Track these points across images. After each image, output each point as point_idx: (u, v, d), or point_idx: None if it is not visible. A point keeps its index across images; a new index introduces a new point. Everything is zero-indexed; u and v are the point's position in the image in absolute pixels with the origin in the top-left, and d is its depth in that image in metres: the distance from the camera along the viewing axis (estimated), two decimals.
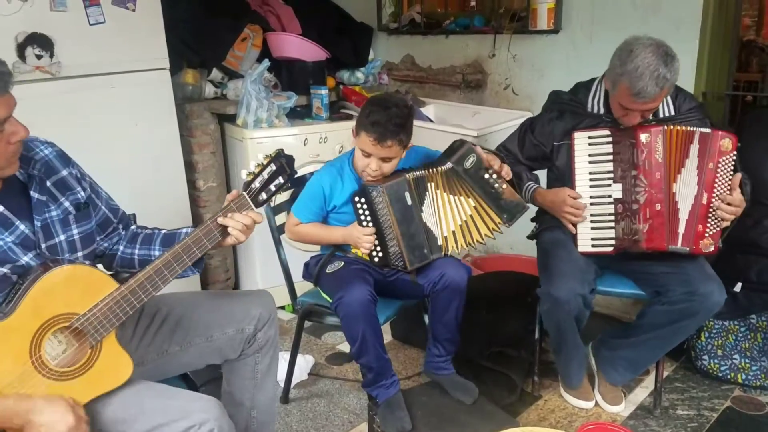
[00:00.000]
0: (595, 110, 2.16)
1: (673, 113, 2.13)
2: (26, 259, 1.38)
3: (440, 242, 2.09)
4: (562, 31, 2.96)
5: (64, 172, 1.50)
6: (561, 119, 2.21)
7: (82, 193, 1.52)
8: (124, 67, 2.63)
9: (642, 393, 2.43)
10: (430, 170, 2.07)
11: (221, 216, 1.49)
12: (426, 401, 2.05)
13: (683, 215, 2.05)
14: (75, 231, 1.48)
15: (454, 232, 2.10)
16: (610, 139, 2.08)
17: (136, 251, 1.62)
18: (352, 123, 3.13)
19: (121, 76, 2.64)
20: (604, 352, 2.33)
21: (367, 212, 2.05)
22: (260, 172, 1.51)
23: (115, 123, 2.65)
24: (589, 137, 2.10)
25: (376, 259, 2.08)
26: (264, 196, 1.52)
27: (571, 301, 2.05)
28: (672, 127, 2.04)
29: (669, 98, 2.13)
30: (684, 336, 2.19)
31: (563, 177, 2.20)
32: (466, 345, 2.29)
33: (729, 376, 2.46)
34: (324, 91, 3.17)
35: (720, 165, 2.01)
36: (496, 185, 2.08)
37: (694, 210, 2.04)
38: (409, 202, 2.04)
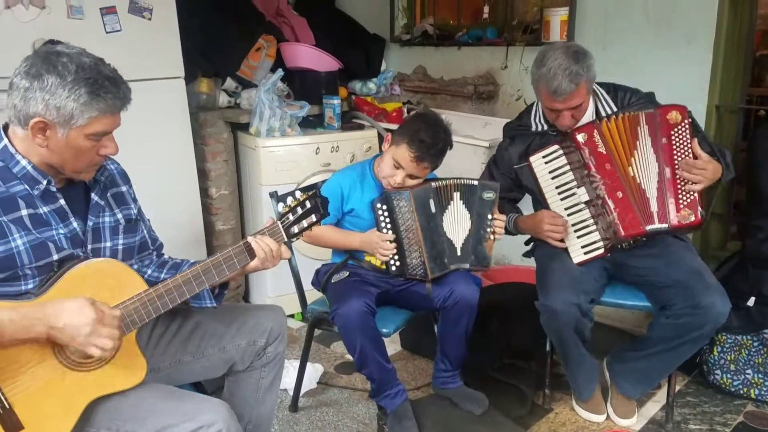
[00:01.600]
0: (539, 128, 2.26)
1: (615, 109, 2.19)
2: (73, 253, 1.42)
3: (459, 252, 2.11)
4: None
5: (123, 188, 1.61)
6: (513, 144, 2.30)
7: (134, 212, 1.62)
8: (140, 75, 2.65)
9: (654, 407, 2.40)
10: (458, 180, 2.12)
11: (252, 238, 1.53)
12: (436, 411, 2.04)
13: (651, 194, 2.10)
14: (120, 241, 1.55)
15: (464, 242, 2.12)
16: (560, 151, 2.16)
17: (163, 275, 1.64)
18: (364, 133, 3.23)
19: (137, 84, 2.59)
20: (616, 366, 2.32)
21: (387, 220, 2.07)
22: (296, 207, 1.57)
23: (130, 130, 2.64)
24: (543, 156, 2.18)
25: (393, 268, 2.09)
26: (296, 229, 1.57)
27: (566, 311, 2.07)
28: (607, 118, 2.12)
29: (606, 97, 2.22)
30: (694, 348, 2.17)
31: (536, 197, 2.27)
32: (476, 356, 2.28)
33: (742, 391, 2.43)
34: (336, 101, 3.19)
35: (674, 137, 2.06)
36: (489, 229, 2.13)
37: (661, 186, 2.08)
38: (433, 209, 2.07)
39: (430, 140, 2.01)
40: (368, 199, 2.14)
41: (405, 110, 3.33)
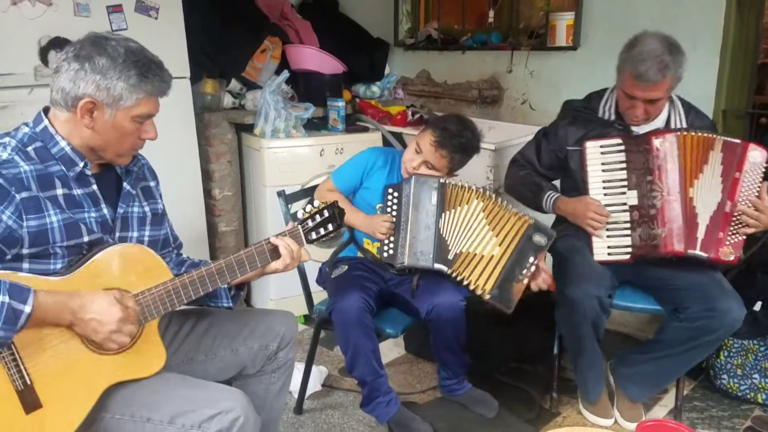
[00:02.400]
0: (606, 116, 2.19)
1: (684, 125, 2.15)
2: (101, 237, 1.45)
3: (450, 256, 2.04)
4: (581, 48, 2.98)
5: (152, 184, 1.64)
6: (573, 125, 2.23)
7: (161, 207, 1.64)
8: None
9: (661, 412, 2.39)
10: (493, 197, 2.05)
11: (275, 237, 1.56)
12: (445, 415, 2.02)
13: (703, 220, 2.05)
14: (147, 233, 1.57)
15: (459, 254, 2.04)
16: (622, 147, 2.10)
17: (182, 272, 1.64)
18: (369, 135, 3.23)
19: None
20: (622, 369, 2.31)
21: (394, 205, 2.06)
22: (314, 214, 1.61)
23: None
24: (601, 146, 2.12)
25: (386, 255, 2.07)
26: (314, 235, 1.61)
27: (587, 302, 2.04)
28: (687, 132, 2.06)
29: (681, 111, 2.16)
30: (705, 353, 2.17)
31: (577, 183, 2.21)
32: (483, 359, 2.26)
33: (749, 396, 2.42)
34: (341, 104, 3.18)
35: (747, 175, 2.01)
36: (525, 271, 2.01)
37: (716, 216, 2.04)
38: (433, 201, 2.03)
39: (455, 130, 2.02)
40: (388, 182, 2.14)
41: (410, 113, 3.32)
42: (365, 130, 3.25)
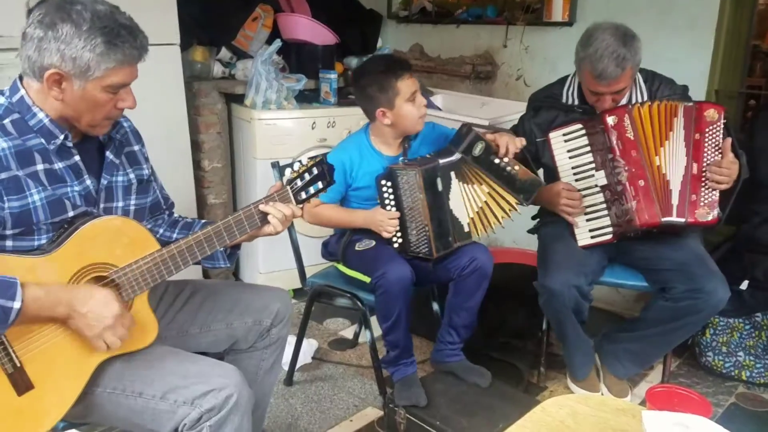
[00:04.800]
0: (569, 101, 2.21)
1: (646, 98, 2.15)
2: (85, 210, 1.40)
3: (466, 229, 2.08)
4: (576, 24, 2.95)
5: (136, 148, 1.56)
6: (537, 116, 2.26)
7: (147, 172, 1.57)
8: None
9: (647, 387, 2.41)
10: (451, 159, 2.04)
11: (263, 203, 1.50)
12: (444, 389, 2.03)
13: (675, 186, 2.07)
14: (132, 201, 1.51)
15: (473, 218, 2.09)
16: (583, 131, 2.13)
17: (175, 235, 1.62)
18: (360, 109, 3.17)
19: None
20: (607, 346, 2.33)
21: (392, 196, 2.03)
22: (303, 173, 1.55)
23: None
24: (564, 134, 2.15)
25: (396, 245, 2.06)
26: (303, 195, 1.56)
27: (566, 292, 2.06)
28: (640, 104, 2.07)
29: (642, 83, 2.17)
30: (689, 333, 2.20)
31: (551, 173, 2.23)
32: (473, 334, 2.27)
33: (733, 373, 2.46)
34: (333, 76, 3.14)
35: (707, 134, 2.03)
36: (508, 168, 2.06)
37: (686, 180, 2.06)
38: (440, 188, 2.02)
39: (388, 56, 2.11)
40: (372, 169, 2.10)
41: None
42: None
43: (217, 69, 3.09)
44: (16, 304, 1.14)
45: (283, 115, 2.94)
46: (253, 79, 2.90)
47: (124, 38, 1.28)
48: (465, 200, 2.09)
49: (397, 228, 2.04)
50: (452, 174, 2.06)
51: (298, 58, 3.24)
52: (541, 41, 3.11)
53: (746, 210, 2.54)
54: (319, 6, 3.42)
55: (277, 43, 2.90)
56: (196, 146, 3.01)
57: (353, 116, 3.11)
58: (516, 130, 2.31)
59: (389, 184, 2.03)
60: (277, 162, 2.20)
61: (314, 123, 3.01)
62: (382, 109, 2.07)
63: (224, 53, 3.11)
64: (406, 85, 2.04)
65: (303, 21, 3.21)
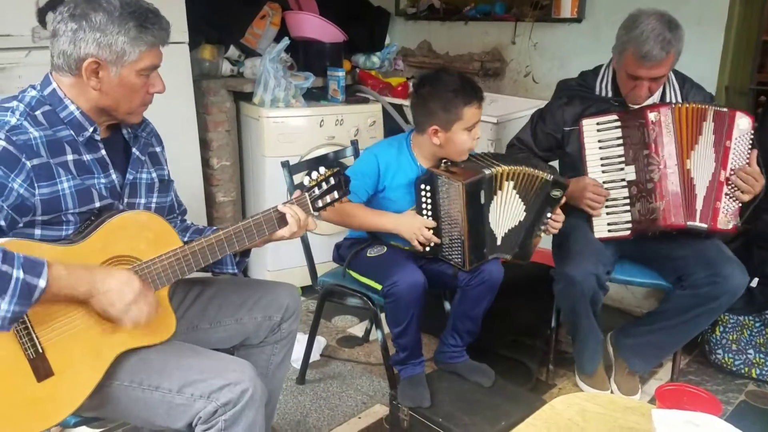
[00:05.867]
0: (603, 93, 2.19)
1: (680, 99, 2.15)
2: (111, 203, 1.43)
3: (499, 242, 2.03)
4: (585, 20, 2.95)
5: (158, 149, 1.61)
6: (570, 105, 2.23)
7: (167, 173, 1.62)
8: None
9: (656, 385, 2.41)
10: (524, 169, 1.97)
11: (282, 205, 1.55)
12: (447, 387, 2.03)
13: (700, 191, 2.07)
14: (154, 199, 1.55)
15: (504, 235, 2.04)
16: (618, 123, 2.11)
17: (186, 238, 1.63)
18: (369, 107, 3.19)
19: None
20: (625, 341, 2.32)
21: (429, 201, 1.98)
22: (321, 182, 1.60)
23: None
24: (598, 123, 2.12)
25: (427, 249, 2.02)
26: (320, 203, 1.60)
27: (585, 280, 2.06)
28: (681, 104, 2.07)
29: (676, 84, 2.17)
30: (708, 321, 2.20)
31: (575, 163, 2.20)
32: (482, 333, 2.27)
33: (743, 371, 2.45)
34: (341, 74, 3.14)
35: (737, 142, 2.03)
36: (543, 227, 2.04)
37: (712, 186, 2.05)
38: (483, 200, 1.95)
39: (469, 80, 1.97)
40: (407, 182, 2.03)
41: (411, 85, 3.28)
42: (365, 101, 3.22)
43: (226, 67, 3.10)
44: (42, 283, 1.16)
45: (292, 113, 2.95)
46: (262, 77, 2.91)
47: (152, 20, 1.35)
48: (510, 212, 2.03)
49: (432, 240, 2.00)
50: (508, 184, 1.98)
51: (306, 55, 3.25)
52: (550, 38, 3.10)
53: (756, 207, 2.53)
54: (326, 3, 3.42)
55: (285, 41, 2.91)
56: (204, 144, 3.02)
57: (361, 114, 3.12)
58: (543, 115, 2.28)
59: (429, 188, 1.97)
60: (287, 162, 2.20)
61: (322, 120, 3.01)
62: (436, 128, 1.95)
63: (233, 51, 3.12)
64: (472, 113, 1.95)
65: (311, 19, 3.21)
